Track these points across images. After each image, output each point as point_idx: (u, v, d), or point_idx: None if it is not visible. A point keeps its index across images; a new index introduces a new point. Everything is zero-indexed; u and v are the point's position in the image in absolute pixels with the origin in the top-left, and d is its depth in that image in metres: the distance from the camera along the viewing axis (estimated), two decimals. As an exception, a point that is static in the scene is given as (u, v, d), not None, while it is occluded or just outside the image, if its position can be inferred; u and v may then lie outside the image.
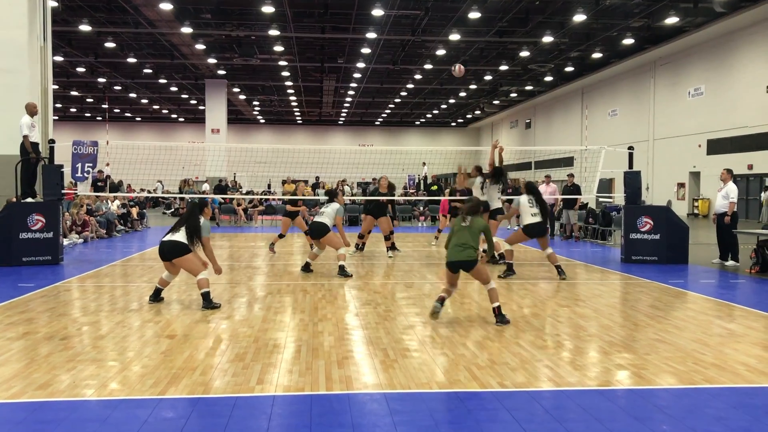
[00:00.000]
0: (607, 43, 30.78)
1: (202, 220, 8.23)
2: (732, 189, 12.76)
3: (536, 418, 4.38)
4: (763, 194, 25.74)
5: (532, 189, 10.95)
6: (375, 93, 46.15)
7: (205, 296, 8.10)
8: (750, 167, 27.51)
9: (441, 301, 7.29)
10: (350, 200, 22.86)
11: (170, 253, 8.15)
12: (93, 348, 6.11)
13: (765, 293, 9.72)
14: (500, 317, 7.25)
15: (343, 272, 10.89)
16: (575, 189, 18.74)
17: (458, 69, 14.85)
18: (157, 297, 8.54)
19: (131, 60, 33.97)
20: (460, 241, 7.27)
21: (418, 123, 64.54)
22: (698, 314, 8.01)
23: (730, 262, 12.77)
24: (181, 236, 8.11)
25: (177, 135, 60.14)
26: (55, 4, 20.82)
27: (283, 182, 29.80)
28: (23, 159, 12.71)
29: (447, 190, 20.65)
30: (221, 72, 38.53)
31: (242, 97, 47.44)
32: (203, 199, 8.78)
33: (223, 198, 24.95)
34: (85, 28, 26.86)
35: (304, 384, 5.04)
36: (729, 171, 13.22)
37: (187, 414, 4.40)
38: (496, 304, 7.31)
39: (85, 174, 13.78)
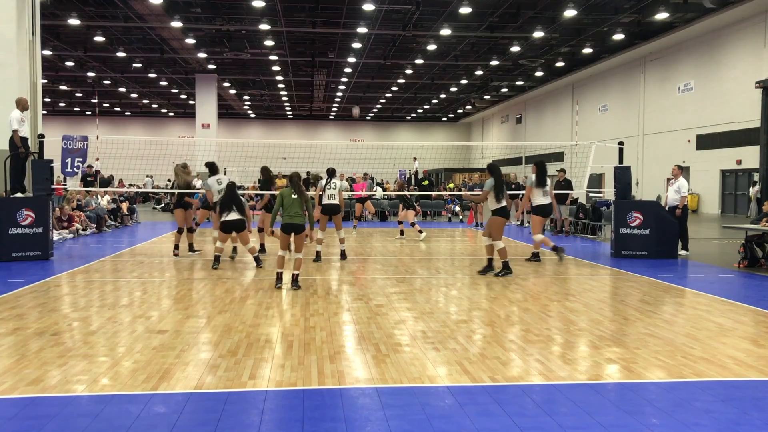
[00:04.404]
0: (598, 39, 30.88)
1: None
2: (683, 184, 13.66)
3: (527, 411, 4.41)
4: (751, 189, 25.93)
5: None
6: (366, 88, 46.09)
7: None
8: (739, 162, 27.71)
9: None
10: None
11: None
12: (84, 343, 6.09)
13: (753, 287, 9.81)
14: (295, 284, 9.18)
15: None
16: (567, 184, 18.81)
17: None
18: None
19: (121, 54, 33.79)
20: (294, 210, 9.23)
21: (409, 118, 64.53)
22: (687, 308, 8.07)
23: (683, 252, 13.47)
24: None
25: (167, 129, 59.85)
26: (44, -3, 20.66)
27: (274, 177, 29.74)
28: (12, 154, 12.62)
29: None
30: (211, 66, 38.37)
31: (232, 91, 47.28)
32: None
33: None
34: (74, 21, 26.66)
35: (296, 379, 5.05)
36: (680, 167, 14.09)
37: (180, 409, 4.40)
38: (296, 272, 9.32)
39: (75, 169, 13.70)
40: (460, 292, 9.20)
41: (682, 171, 14.03)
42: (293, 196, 9.26)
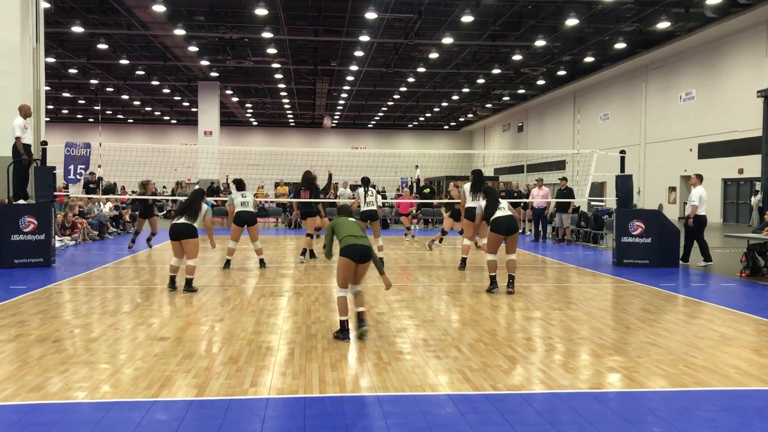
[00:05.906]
0: (599, 48, 30.93)
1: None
2: (694, 193, 13.13)
3: (529, 420, 4.41)
4: (753, 198, 25.91)
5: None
6: (368, 96, 46.16)
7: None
8: (741, 171, 27.70)
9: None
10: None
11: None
12: (85, 350, 6.09)
13: (755, 296, 9.79)
14: (362, 324, 6.74)
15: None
16: (569, 193, 18.80)
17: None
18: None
19: (124, 62, 33.87)
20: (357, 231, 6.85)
21: (410, 126, 64.58)
22: (689, 317, 8.06)
23: (702, 263, 13.16)
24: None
25: (169, 137, 59.96)
26: (48, 5, 20.74)
27: (276, 185, 29.92)
28: (15, 161, 12.66)
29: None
30: (214, 74, 38.44)
31: (235, 99, 47.35)
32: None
33: (215, 200, 24.87)
34: (77, 29, 26.76)
35: (297, 386, 5.05)
36: (698, 176, 13.51)
37: (181, 416, 4.40)
38: (361, 309, 6.80)
39: (78, 176, 13.74)
40: (462, 300, 9.19)
41: (701, 179, 13.39)
42: (350, 219, 7.08)
